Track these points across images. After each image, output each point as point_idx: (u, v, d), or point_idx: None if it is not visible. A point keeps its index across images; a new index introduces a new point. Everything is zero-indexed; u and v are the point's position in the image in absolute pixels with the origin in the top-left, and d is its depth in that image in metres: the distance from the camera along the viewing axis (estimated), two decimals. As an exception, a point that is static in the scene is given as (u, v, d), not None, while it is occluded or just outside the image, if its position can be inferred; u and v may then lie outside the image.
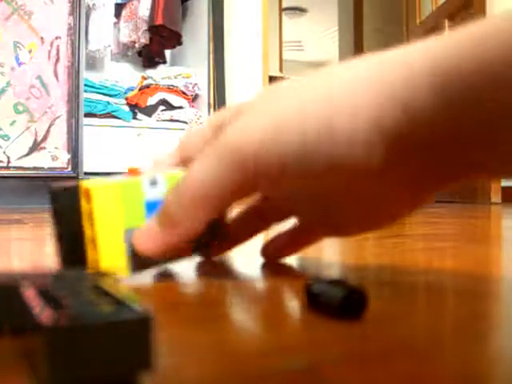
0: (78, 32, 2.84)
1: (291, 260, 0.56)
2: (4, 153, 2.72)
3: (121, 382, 0.18)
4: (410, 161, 0.28)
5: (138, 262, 0.40)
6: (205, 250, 0.52)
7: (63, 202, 0.36)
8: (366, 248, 0.74)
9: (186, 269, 0.50)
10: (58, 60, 2.83)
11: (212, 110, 3.36)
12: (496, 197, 3.01)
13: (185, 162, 0.43)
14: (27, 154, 2.77)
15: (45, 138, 2.79)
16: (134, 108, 3.30)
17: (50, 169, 2.80)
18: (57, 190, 0.37)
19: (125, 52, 3.59)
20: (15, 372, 0.21)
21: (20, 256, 0.66)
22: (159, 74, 3.43)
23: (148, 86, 3.37)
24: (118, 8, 3.50)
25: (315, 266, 0.53)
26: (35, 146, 2.78)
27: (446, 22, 3.50)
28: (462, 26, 0.25)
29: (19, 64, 2.76)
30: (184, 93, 3.40)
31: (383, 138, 0.27)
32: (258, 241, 0.58)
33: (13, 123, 2.74)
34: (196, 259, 0.54)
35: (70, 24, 2.84)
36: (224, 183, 0.35)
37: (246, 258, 0.58)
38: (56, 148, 2.81)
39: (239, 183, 0.35)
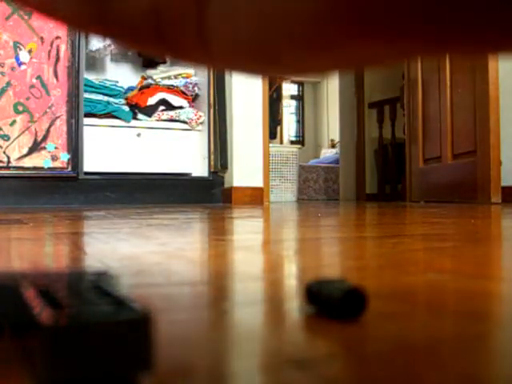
0: (77, 32, 2.84)
1: (291, 260, 0.56)
2: (4, 153, 2.73)
3: (121, 382, 0.18)
4: None
5: None
6: None
7: None
8: (366, 248, 0.74)
9: (181, 266, 0.50)
10: (58, 60, 2.83)
11: (212, 109, 3.36)
12: (496, 197, 3.01)
13: None
14: (27, 154, 2.77)
15: (45, 138, 2.79)
16: (134, 108, 3.30)
17: (49, 169, 2.80)
18: None
19: (125, 52, 3.59)
20: (15, 372, 0.21)
21: (20, 256, 0.66)
22: (159, 74, 3.43)
23: (148, 86, 3.37)
24: (118, 8, 3.49)
25: (315, 266, 0.53)
26: (35, 146, 2.78)
27: None
28: None
29: (19, 64, 2.76)
30: (184, 93, 3.40)
31: None
32: (258, 241, 0.59)
33: (13, 123, 2.74)
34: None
35: (70, 24, 2.84)
36: None
37: (246, 257, 0.58)
38: (56, 148, 2.81)
39: None
